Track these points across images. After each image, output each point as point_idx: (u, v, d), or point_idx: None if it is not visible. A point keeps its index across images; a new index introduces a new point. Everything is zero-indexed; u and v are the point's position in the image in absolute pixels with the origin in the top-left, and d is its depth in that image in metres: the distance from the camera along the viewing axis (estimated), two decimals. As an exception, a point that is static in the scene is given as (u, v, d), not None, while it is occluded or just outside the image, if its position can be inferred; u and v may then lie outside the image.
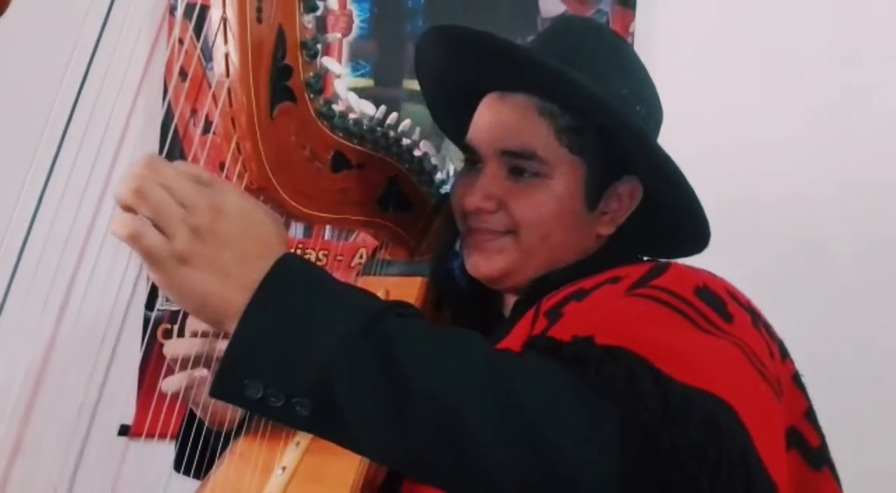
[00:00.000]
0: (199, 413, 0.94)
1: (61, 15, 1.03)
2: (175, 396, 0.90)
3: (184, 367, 0.89)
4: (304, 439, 0.90)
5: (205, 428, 0.95)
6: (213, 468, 0.93)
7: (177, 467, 0.97)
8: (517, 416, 0.65)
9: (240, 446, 0.92)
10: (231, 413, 0.94)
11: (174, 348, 0.90)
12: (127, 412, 1.72)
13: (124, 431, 1.67)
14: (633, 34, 1.77)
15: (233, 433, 0.94)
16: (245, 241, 0.65)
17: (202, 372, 0.89)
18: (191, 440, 0.94)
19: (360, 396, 0.63)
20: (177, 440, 0.98)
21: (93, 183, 0.68)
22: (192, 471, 0.96)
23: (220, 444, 0.94)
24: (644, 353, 0.71)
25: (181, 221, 0.63)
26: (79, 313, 0.67)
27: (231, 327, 0.65)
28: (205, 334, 0.89)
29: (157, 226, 0.63)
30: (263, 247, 0.66)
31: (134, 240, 0.62)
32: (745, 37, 1.79)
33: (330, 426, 0.66)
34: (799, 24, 1.79)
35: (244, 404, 0.66)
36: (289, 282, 0.66)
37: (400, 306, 0.71)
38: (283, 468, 0.88)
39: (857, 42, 1.78)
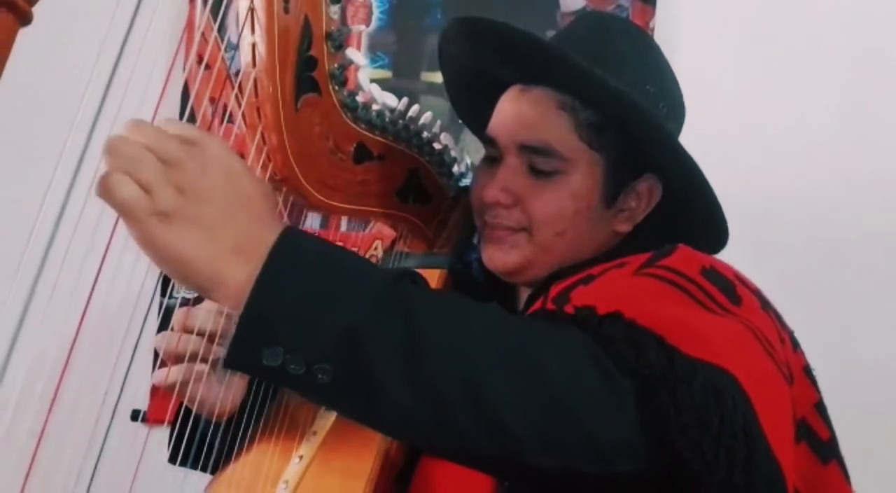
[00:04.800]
0: (193, 407, 0.90)
1: (90, 8, 1.03)
2: (168, 389, 0.86)
3: (174, 361, 0.86)
4: (321, 429, 0.91)
5: (201, 420, 0.92)
6: (229, 466, 0.92)
7: (172, 459, 0.94)
8: (535, 374, 0.65)
9: (258, 434, 0.93)
10: (226, 405, 0.91)
11: (165, 342, 0.87)
12: (141, 398, 1.73)
13: (140, 417, 1.69)
14: (652, 30, 1.76)
15: (233, 423, 0.93)
16: (231, 199, 0.61)
17: (201, 366, 0.86)
18: (187, 432, 0.91)
19: (385, 357, 0.61)
20: (171, 431, 0.93)
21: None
22: (189, 462, 0.93)
23: (219, 435, 0.92)
24: (646, 324, 0.71)
25: (162, 176, 0.59)
26: (103, 304, 0.67)
27: (220, 295, 0.61)
28: (188, 330, 0.86)
29: (136, 181, 0.58)
30: (253, 209, 0.63)
31: (107, 193, 0.58)
32: (765, 33, 1.78)
33: (350, 393, 0.63)
34: (819, 21, 1.78)
35: (261, 374, 0.63)
36: (302, 248, 0.63)
37: (410, 274, 0.70)
38: (301, 457, 0.88)
39: (878, 40, 1.77)
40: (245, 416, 0.93)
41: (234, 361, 0.62)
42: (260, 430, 0.93)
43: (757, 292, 0.84)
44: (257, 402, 0.93)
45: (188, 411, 0.91)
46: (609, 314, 0.73)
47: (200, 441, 0.92)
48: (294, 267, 0.62)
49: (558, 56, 0.90)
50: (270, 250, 0.61)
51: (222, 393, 0.90)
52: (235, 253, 0.61)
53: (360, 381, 0.62)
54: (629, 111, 0.90)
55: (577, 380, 0.66)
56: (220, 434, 0.92)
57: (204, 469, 0.94)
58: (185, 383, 0.86)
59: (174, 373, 0.86)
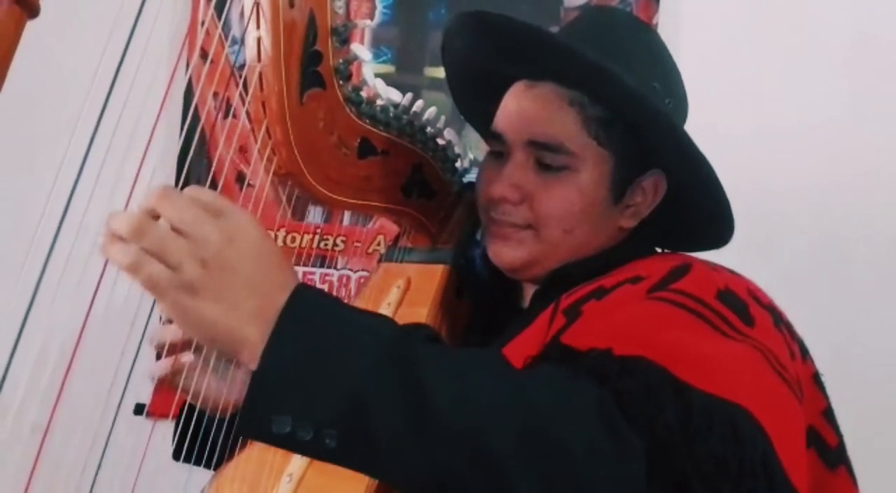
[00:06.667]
0: (190, 400, 0.91)
1: (95, 3, 1.03)
2: (163, 382, 0.88)
3: (170, 353, 0.87)
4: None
5: (205, 416, 0.93)
6: (233, 460, 0.93)
7: (176, 455, 0.95)
8: (542, 440, 0.65)
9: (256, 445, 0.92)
10: (229, 399, 0.91)
11: (160, 333, 0.88)
12: (145, 392, 1.73)
13: (143, 411, 1.69)
14: (656, 25, 1.76)
15: (229, 419, 0.92)
16: (255, 270, 0.64)
17: (188, 357, 0.87)
18: (191, 427, 0.92)
19: (388, 421, 0.62)
20: (175, 428, 0.95)
21: (123, 173, 0.68)
22: (193, 458, 0.94)
23: (223, 430, 0.92)
24: (663, 362, 0.72)
25: (187, 253, 0.61)
26: (107, 299, 0.67)
27: (245, 358, 0.63)
28: None
29: (160, 259, 0.61)
30: (274, 276, 0.65)
31: (133, 270, 0.61)
32: (768, 28, 1.78)
33: (357, 455, 0.64)
34: (821, 15, 1.78)
35: (272, 441, 0.64)
36: (307, 313, 0.64)
37: (417, 328, 0.70)
38: (290, 476, 0.88)
39: (880, 32, 1.77)
40: None
41: (246, 428, 0.64)
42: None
43: (769, 307, 0.85)
44: None
45: (192, 407, 0.92)
46: (626, 364, 0.72)
47: (204, 438, 0.93)
48: (298, 335, 0.63)
49: (569, 52, 0.90)
50: (279, 314, 0.63)
51: (225, 387, 0.90)
52: (256, 318, 0.63)
53: (364, 443, 0.63)
54: (641, 109, 0.89)
55: (586, 444, 0.66)
56: (223, 430, 0.92)
57: (208, 466, 0.94)
58: (178, 373, 0.88)
59: (165, 363, 0.87)
